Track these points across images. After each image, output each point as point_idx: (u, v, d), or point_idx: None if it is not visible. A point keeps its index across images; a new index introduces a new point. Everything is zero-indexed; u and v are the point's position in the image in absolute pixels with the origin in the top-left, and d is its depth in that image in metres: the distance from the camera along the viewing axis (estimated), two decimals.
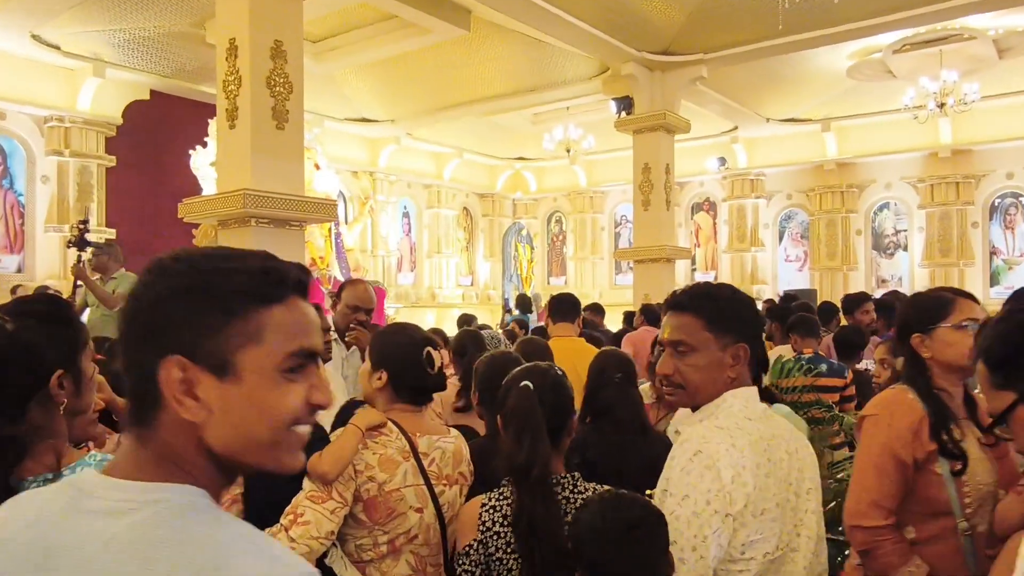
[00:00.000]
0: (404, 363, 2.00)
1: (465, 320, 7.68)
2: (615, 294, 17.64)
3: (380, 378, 2.00)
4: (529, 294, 15.21)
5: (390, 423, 1.97)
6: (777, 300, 11.50)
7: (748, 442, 1.49)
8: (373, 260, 16.23)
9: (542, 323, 8.06)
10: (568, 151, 15.25)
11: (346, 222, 15.50)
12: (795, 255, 16.66)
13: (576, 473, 1.76)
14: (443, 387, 2.06)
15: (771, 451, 1.52)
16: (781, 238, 16.83)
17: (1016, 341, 0.98)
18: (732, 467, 1.46)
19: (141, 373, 0.77)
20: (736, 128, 15.61)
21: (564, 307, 4.19)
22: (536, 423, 1.71)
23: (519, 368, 1.85)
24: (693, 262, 17.55)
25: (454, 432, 2.09)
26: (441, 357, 2.03)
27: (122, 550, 0.72)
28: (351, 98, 13.63)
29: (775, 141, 15.87)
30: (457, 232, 18.81)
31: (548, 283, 20.14)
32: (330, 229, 13.92)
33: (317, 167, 13.65)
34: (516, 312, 9.59)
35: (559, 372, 1.87)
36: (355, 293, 3.39)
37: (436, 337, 2.81)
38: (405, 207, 17.56)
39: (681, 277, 16.70)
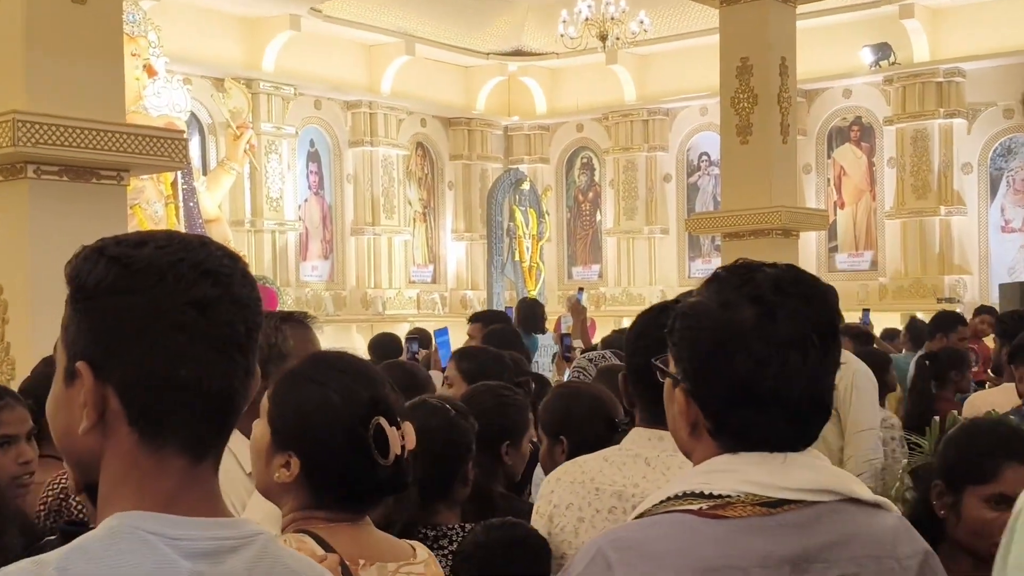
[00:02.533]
0: (329, 443, 2.02)
1: (418, 336, 7.64)
2: None
3: (287, 465, 2.03)
4: (536, 295, 15.15)
5: (308, 540, 1.99)
6: None
7: (572, 480, 2.57)
8: (254, 238, 16.27)
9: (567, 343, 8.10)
10: (603, 40, 15.19)
11: (204, 172, 15.61)
12: (1022, 220, 16.67)
13: (472, 525, 2.69)
14: (402, 487, 2.12)
15: (600, 499, 2.49)
16: (995, 190, 16.86)
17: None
18: (541, 498, 2.65)
19: None
20: None
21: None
22: None
23: (408, 404, 2.56)
24: (831, 235, 17.54)
25: (423, 553, 2.16)
26: (404, 437, 2.07)
27: None
28: None
29: (981, 12, 15.89)
30: (407, 187, 18.70)
31: (569, 276, 20.19)
32: (175, 184, 14.03)
33: (150, 72, 13.65)
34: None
35: (451, 411, 2.87)
36: None
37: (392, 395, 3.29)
38: (312, 143, 17.50)
39: (810, 260, 16.68)
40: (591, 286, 18.86)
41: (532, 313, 9.35)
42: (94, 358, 1.23)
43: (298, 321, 3.07)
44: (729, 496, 1.53)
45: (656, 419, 2.37)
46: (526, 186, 17.93)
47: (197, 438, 1.26)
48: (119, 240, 1.28)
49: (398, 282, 18.18)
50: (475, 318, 7.40)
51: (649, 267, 19.10)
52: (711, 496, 1.53)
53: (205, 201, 14.95)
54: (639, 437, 2.50)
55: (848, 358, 5.15)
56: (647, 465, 2.44)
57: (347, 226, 17.88)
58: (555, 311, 15.73)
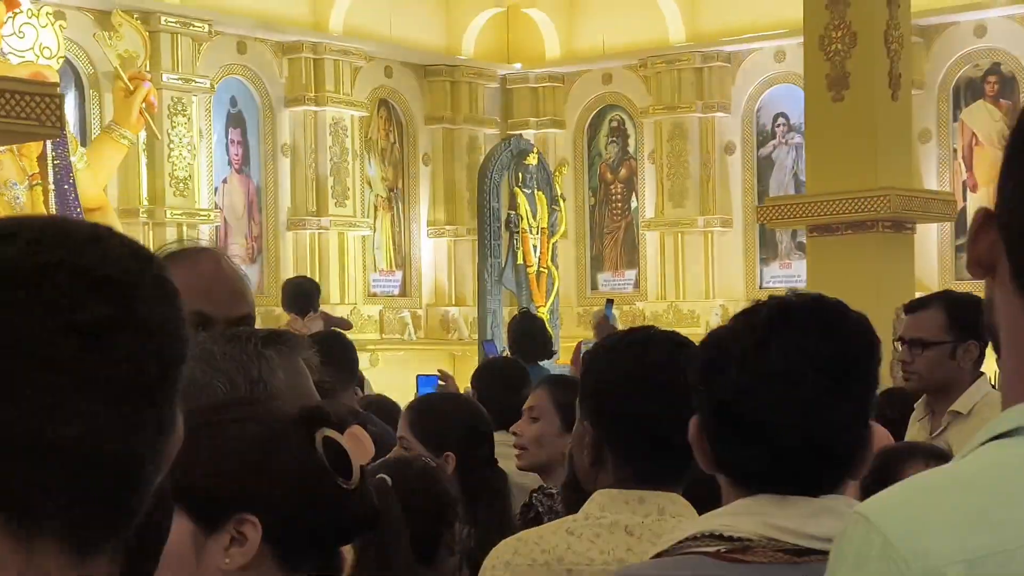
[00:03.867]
0: (286, 481, 2.14)
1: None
2: None
3: (237, 539, 2.08)
4: (546, 314, 15.10)
5: None
6: None
7: (531, 561, 2.81)
8: (153, 233, 16.37)
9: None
10: None
11: (84, 143, 16.01)
12: None
13: None
14: (376, 519, 2.25)
15: None
16: None
17: None
18: None
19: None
20: None
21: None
22: (392, 528, 2.97)
23: (377, 462, 3.01)
24: (959, 229, 17.55)
25: None
26: (359, 442, 2.18)
27: None
28: None
29: None
30: (366, 162, 19.07)
31: (593, 287, 20.60)
32: (44, 159, 14.33)
33: (9, 5, 14.02)
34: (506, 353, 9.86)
35: (430, 464, 3.48)
36: (196, 276, 3.39)
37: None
38: (234, 101, 17.90)
39: (930, 263, 16.56)
40: (624, 299, 19.03)
41: (528, 331, 9.35)
42: None
43: (287, 344, 3.08)
44: (750, 540, 1.91)
45: (639, 477, 2.74)
46: (533, 160, 17.96)
47: (82, 527, 1.18)
48: None
49: (353, 295, 18.27)
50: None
51: (705, 274, 19.29)
52: (730, 539, 1.91)
53: (86, 182, 15.09)
54: (611, 501, 2.76)
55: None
56: (629, 535, 2.67)
57: (282, 217, 18.04)
58: (574, 335, 15.60)
